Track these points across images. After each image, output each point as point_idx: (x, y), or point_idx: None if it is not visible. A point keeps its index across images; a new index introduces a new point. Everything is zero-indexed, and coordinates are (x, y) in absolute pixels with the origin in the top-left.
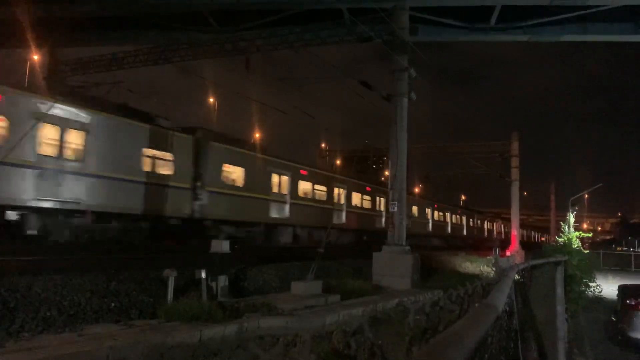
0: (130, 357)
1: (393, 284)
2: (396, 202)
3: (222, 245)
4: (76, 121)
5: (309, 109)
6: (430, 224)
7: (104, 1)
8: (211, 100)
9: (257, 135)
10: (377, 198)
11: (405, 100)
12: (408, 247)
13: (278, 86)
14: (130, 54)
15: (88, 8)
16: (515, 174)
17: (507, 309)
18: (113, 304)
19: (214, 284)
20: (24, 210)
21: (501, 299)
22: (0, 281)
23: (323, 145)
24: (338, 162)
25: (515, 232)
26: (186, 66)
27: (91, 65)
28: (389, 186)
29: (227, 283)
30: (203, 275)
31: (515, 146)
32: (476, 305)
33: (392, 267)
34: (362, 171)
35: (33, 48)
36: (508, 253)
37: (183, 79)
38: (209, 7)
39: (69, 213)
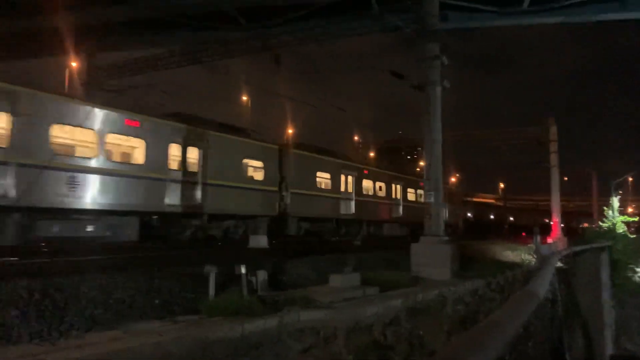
0: (175, 353)
1: (432, 274)
2: (433, 192)
3: (260, 240)
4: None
5: (339, 102)
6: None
7: (133, 4)
8: (244, 98)
9: (290, 130)
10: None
11: (438, 88)
12: (446, 237)
13: (306, 81)
14: (163, 56)
15: (119, 12)
16: (554, 159)
17: (550, 296)
18: (156, 301)
19: (253, 279)
20: None
21: (542, 287)
22: (50, 281)
23: (356, 137)
24: (372, 154)
25: (556, 219)
26: (216, 65)
27: (126, 68)
28: (425, 177)
29: (266, 277)
30: (243, 270)
31: (552, 131)
32: (517, 293)
33: (431, 258)
34: (396, 162)
35: (69, 55)
36: (549, 240)
37: (213, 79)
38: (237, 5)
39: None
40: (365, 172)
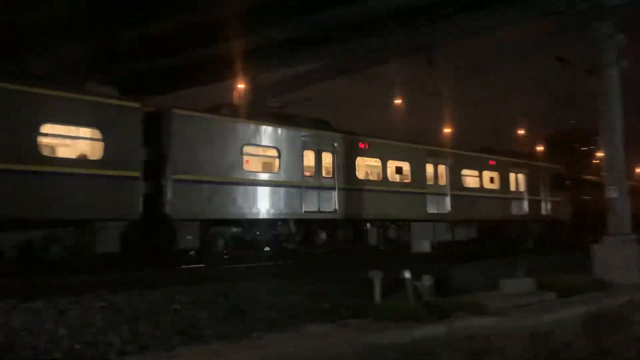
0: (347, 355)
1: (619, 278)
2: (616, 187)
3: (423, 245)
4: None
5: (499, 96)
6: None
7: (287, 25)
8: (398, 102)
9: (448, 130)
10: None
11: (615, 70)
12: (634, 236)
13: (463, 77)
14: (317, 70)
15: (276, 34)
16: None
17: None
18: (326, 305)
19: (418, 284)
20: None
21: None
22: (232, 287)
23: (521, 131)
24: (540, 147)
25: None
26: (369, 74)
27: (285, 86)
28: (604, 169)
29: (432, 282)
30: (408, 275)
31: None
32: None
33: (616, 260)
34: (568, 155)
35: (237, 78)
36: None
37: (369, 87)
38: (388, 10)
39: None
40: (363, 145)
